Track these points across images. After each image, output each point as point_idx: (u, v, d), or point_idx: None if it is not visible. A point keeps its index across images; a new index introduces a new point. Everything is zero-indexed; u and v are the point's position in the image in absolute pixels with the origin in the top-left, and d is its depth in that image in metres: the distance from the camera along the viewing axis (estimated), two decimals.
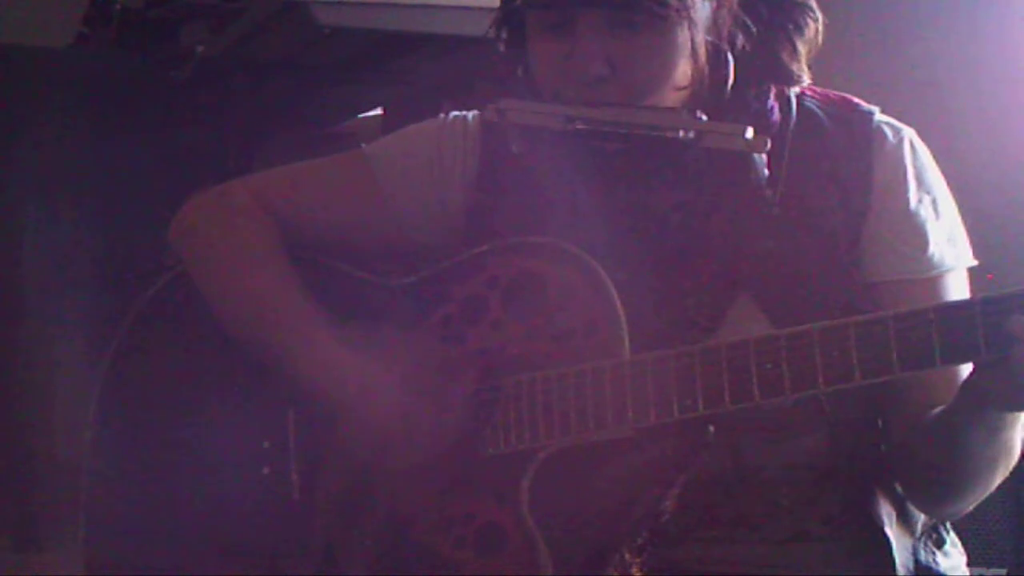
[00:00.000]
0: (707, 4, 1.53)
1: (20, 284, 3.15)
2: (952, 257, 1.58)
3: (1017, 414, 1.45)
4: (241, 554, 1.64)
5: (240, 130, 3.30)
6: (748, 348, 1.40)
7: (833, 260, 1.56)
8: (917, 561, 1.61)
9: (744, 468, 1.56)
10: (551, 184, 1.61)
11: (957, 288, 1.58)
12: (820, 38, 1.61)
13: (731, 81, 1.56)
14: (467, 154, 1.69)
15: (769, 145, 1.50)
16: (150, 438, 1.72)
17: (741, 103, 1.57)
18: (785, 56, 1.59)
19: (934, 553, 1.64)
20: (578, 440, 1.48)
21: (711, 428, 1.45)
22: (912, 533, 1.62)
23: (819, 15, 1.60)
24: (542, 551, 1.46)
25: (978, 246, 1.63)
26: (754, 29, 1.56)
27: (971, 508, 1.60)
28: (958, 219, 1.61)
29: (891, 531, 1.59)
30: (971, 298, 1.42)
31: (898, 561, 1.57)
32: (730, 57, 1.55)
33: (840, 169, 1.58)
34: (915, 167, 1.59)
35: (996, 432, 1.46)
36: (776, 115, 1.60)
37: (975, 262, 1.61)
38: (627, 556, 1.48)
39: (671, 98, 1.55)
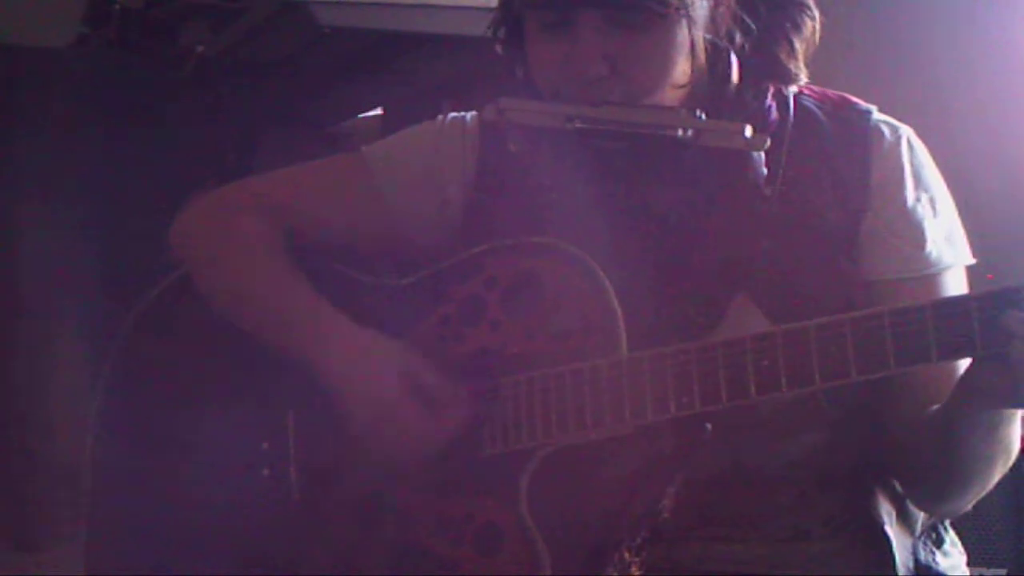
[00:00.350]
0: (706, 2, 1.53)
1: (20, 284, 3.15)
2: (950, 255, 1.58)
3: (1015, 410, 1.45)
4: (241, 554, 1.64)
5: (240, 130, 3.30)
6: (745, 345, 1.40)
7: (831, 259, 1.56)
8: (917, 560, 1.61)
9: (744, 467, 1.56)
10: (550, 183, 1.61)
11: (955, 286, 1.58)
12: (818, 37, 1.61)
13: (734, 80, 1.56)
14: (465, 155, 1.70)
15: (768, 143, 1.50)
16: (151, 439, 1.72)
17: (739, 102, 1.57)
18: (783, 55, 1.59)
19: (934, 552, 1.64)
20: (576, 439, 1.48)
21: (708, 426, 1.45)
22: (912, 532, 1.62)
23: (816, 14, 1.60)
24: (541, 550, 1.46)
25: (977, 245, 1.63)
26: (753, 27, 1.56)
27: (970, 505, 1.60)
28: (956, 217, 1.61)
29: (891, 530, 1.59)
30: (966, 294, 1.43)
31: (898, 560, 1.57)
32: (733, 56, 1.55)
33: (838, 168, 1.58)
34: (913, 165, 1.59)
35: (994, 429, 1.46)
36: (774, 114, 1.60)
37: (973, 260, 1.61)
38: (626, 555, 1.48)
39: (670, 97, 1.55)
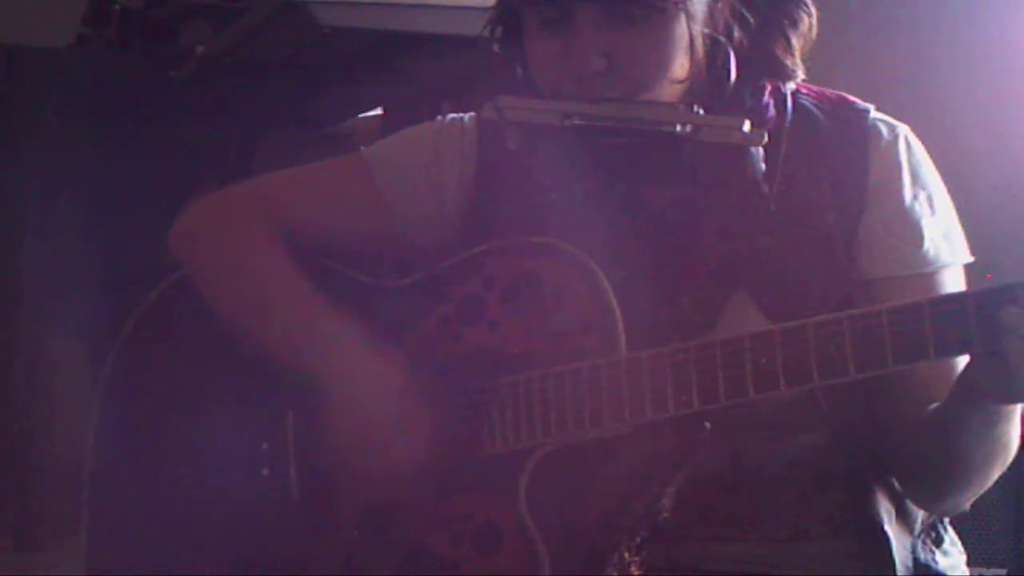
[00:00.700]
0: None
1: (20, 284, 3.15)
2: (948, 253, 1.58)
3: (1013, 408, 1.45)
4: (241, 554, 1.64)
5: (240, 130, 3.30)
6: (743, 343, 1.40)
7: (829, 257, 1.56)
8: (916, 560, 1.61)
9: (743, 467, 1.56)
10: (548, 181, 1.61)
11: (953, 284, 1.58)
12: (815, 33, 1.61)
13: (733, 75, 1.56)
14: (464, 155, 1.70)
15: (766, 139, 1.50)
16: (151, 439, 1.72)
17: (737, 99, 1.57)
18: (779, 51, 1.59)
19: (933, 552, 1.64)
20: (575, 438, 1.48)
21: (707, 425, 1.45)
22: (911, 531, 1.62)
23: (813, 10, 1.60)
24: (540, 550, 1.46)
25: (976, 244, 1.63)
26: (752, 21, 1.56)
27: (969, 504, 1.60)
28: (954, 216, 1.61)
29: (890, 529, 1.59)
30: (964, 291, 1.43)
31: (897, 560, 1.57)
32: (731, 52, 1.55)
33: (836, 166, 1.58)
34: (910, 164, 1.59)
35: (992, 426, 1.46)
36: (772, 112, 1.60)
37: (971, 258, 1.61)
38: (626, 555, 1.48)
39: (668, 92, 1.54)
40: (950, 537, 1.67)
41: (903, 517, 1.62)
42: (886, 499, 1.60)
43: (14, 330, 3.17)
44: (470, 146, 1.70)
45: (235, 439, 1.65)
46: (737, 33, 1.56)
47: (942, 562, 1.64)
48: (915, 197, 1.58)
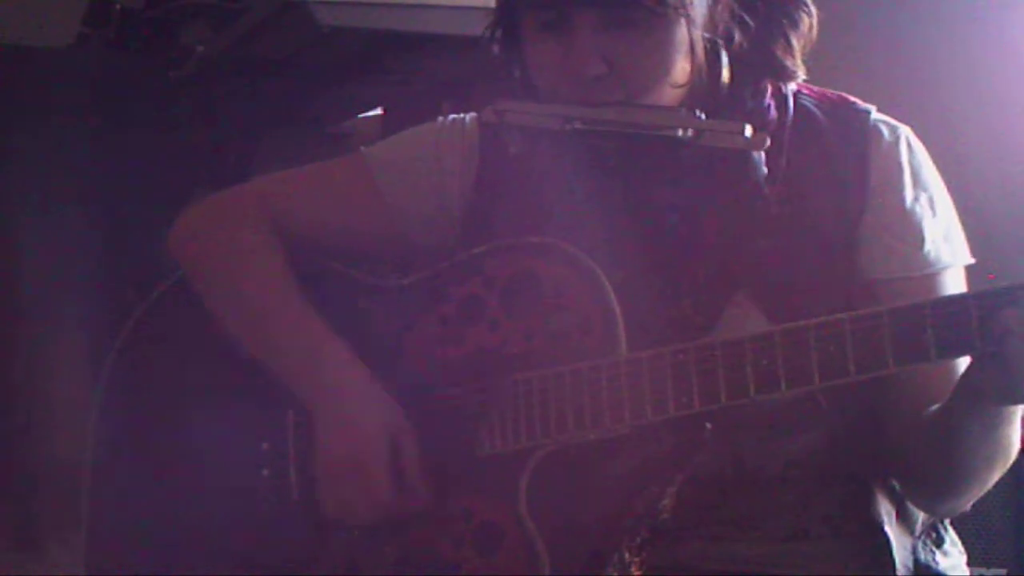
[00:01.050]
0: (704, 0, 1.53)
1: (20, 284, 3.15)
2: (948, 255, 1.58)
3: (1014, 410, 1.45)
4: (241, 555, 1.64)
5: (240, 130, 3.29)
6: (743, 345, 1.40)
7: (830, 258, 1.56)
8: (916, 560, 1.61)
9: (743, 467, 1.56)
10: (549, 185, 1.61)
11: (954, 286, 1.58)
12: (815, 34, 1.61)
13: (726, 77, 1.55)
14: (465, 156, 1.70)
15: (768, 143, 1.50)
16: (151, 439, 1.72)
17: (737, 100, 1.57)
18: (779, 51, 1.59)
19: (933, 552, 1.64)
20: (575, 439, 1.48)
21: (709, 426, 1.45)
22: (911, 532, 1.62)
23: (814, 11, 1.60)
24: (540, 550, 1.46)
25: (977, 245, 1.63)
26: (752, 24, 1.56)
27: (969, 505, 1.60)
28: (955, 217, 1.61)
29: (890, 530, 1.59)
30: (965, 293, 1.43)
31: (897, 560, 1.58)
32: (723, 53, 1.55)
33: (837, 167, 1.58)
34: (911, 165, 1.59)
35: (993, 428, 1.46)
36: (773, 113, 1.60)
37: (972, 260, 1.61)
38: (626, 555, 1.49)
39: (669, 96, 1.54)
40: (950, 537, 1.67)
41: (903, 517, 1.62)
42: (886, 499, 1.60)
43: (14, 330, 3.17)
44: (471, 147, 1.70)
45: (235, 439, 1.65)
46: (737, 36, 1.56)
47: (942, 562, 1.64)
48: (916, 198, 1.58)
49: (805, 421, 1.55)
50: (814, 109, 1.62)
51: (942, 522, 1.67)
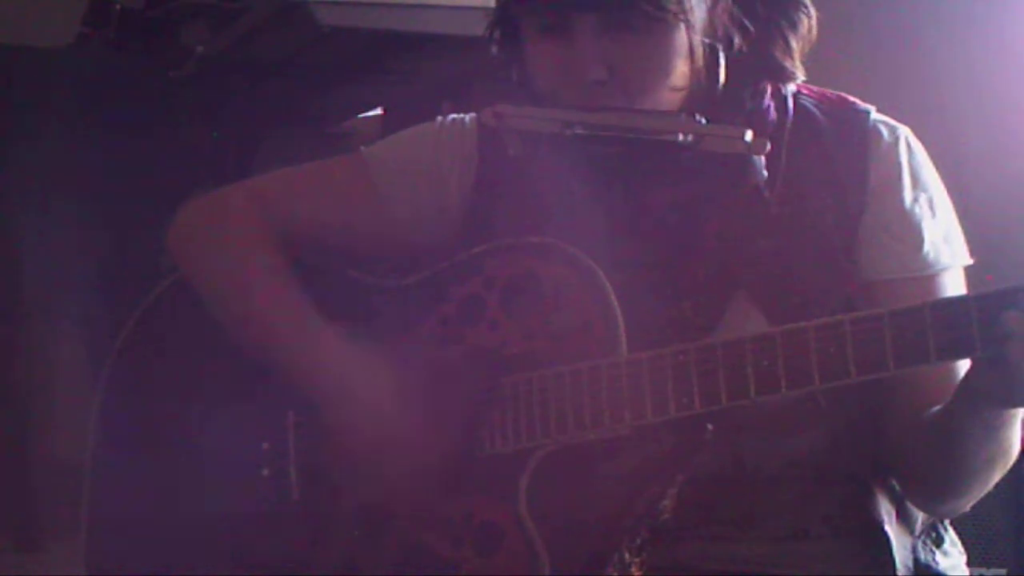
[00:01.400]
0: (703, 4, 1.53)
1: (20, 284, 3.15)
2: (948, 255, 1.58)
3: (1015, 413, 1.45)
4: (241, 555, 1.64)
5: (240, 130, 3.29)
6: (744, 346, 1.40)
7: (829, 259, 1.56)
8: (916, 560, 1.61)
9: (744, 466, 1.56)
10: (549, 187, 1.61)
11: (954, 287, 1.58)
12: (814, 35, 1.61)
13: (722, 80, 1.55)
14: (465, 156, 1.70)
15: (768, 147, 1.50)
16: (151, 439, 1.72)
17: (737, 102, 1.57)
18: (778, 52, 1.59)
19: (933, 552, 1.64)
20: (576, 439, 1.48)
21: (710, 427, 1.45)
22: (911, 532, 1.62)
23: (813, 11, 1.60)
24: (540, 551, 1.46)
25: (976, 246, 1.63)
26: (751, 28, 1.56)
27: (969, 506, 1.60)
28: (954, 218, 1.61)
29: (891, 529, 1.59)
30: (965, 295, 1.43)
31: (897, 560, 1.58)
32: (721, 56, 1.55)
33: (836, 168, 1.58)
34: (911, 166, 1.59)
35: (994, 430, 1.46)
36: (772, 114, 1.60)
37: (971, 261, 1.61)
38: (626, 555, 1.49)
39: (668, 100, 1.54)
40: (950, 537, 1.67)
41: (903, 517, 1.62)
42: (886, 499, 1.60)
43: (14, 330, 3.17)
44: (471, 147, 1.69)
45: (235, 439, 1.65)
46: (736, 39, 1.56)
47: (942, 562, 1.64)
48: (915, 199, 1.58)
49: (805, 421, 1.55)
50: (814, 109, 1.62)
51: (942, 522, 1.67)
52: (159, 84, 3.18)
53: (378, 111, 3.46)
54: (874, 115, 1.62)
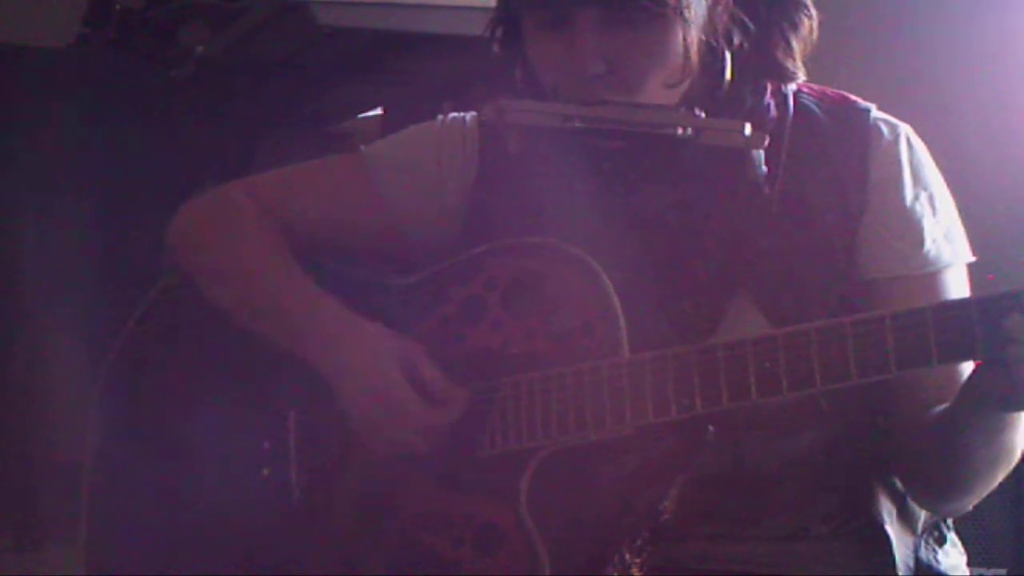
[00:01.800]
0: (704, 1, 1.53)
1: (20, 284, 3.15)
2: (949, 253, 1.58)
3: (1017, 415, 1.45)
4: (241, 555, 1.64)
5: (240, 130, 3.30)
6: (746, 348, 1.40)
7: (830, 258, 1.56)
8: (918, 559, 1.61)
9: (744, 466, 1.56)
10: (549, 184, 1.61)
11: (955, 284, 1.58)
12: (815, 36, 1.61)
13: (727, 78, 1.56)
14: (465, 156, 1.69)
15: (768, 141, 1.50)
16: (151, 439, 1.72)
17: (737, 100, 1.57)
18: (779, 53, 1.59)
19: (935, 551, 1.64)
20: (577, 440, 1.48)
21: (711, 428, 1.45)
22: (913, 531, 1.62)
23: (814, 13, 1.60)
24: (541, 551, 1.46)
25: (977, 245, 1.62)
26: (752, 26, 1.56)
27: (971, 506, 1.60)
28: (955, 215, 1.61)
29: (891, 529, 1.59)
30: (968, 298, 1.43)
31: (898, 559, 1.58)
32: (727, 54, 1.55)
33: (837, 166, 1.58)
34: (911, 163, 1.59)
35: (997, 432, 1.46)
36: (772, 112, 1.60)
37: (973, 258, 1.61)
38: (627, 556, 1.48)
39: (667, 95, 1.54)
40: (952, 537, 1.67)
41: (904, 516, 1.62)
42: (887, 499, 1.60)
43: (14, 330, 3.17)
44: (471, 146, 1.69)
45: (236, 439, 1.65)
46: (737, 37, 1.56)
47: (943, 562, 1.64)
48: (916, 197, 1.58)
49: (805, 421, 1.55)
50: (814, 108, 1.62)
51: (945, 521, 1.66)
52: (159, 84, 3.19)
53: (378, 111, 3.46)
54: (874, 113, 1.62)
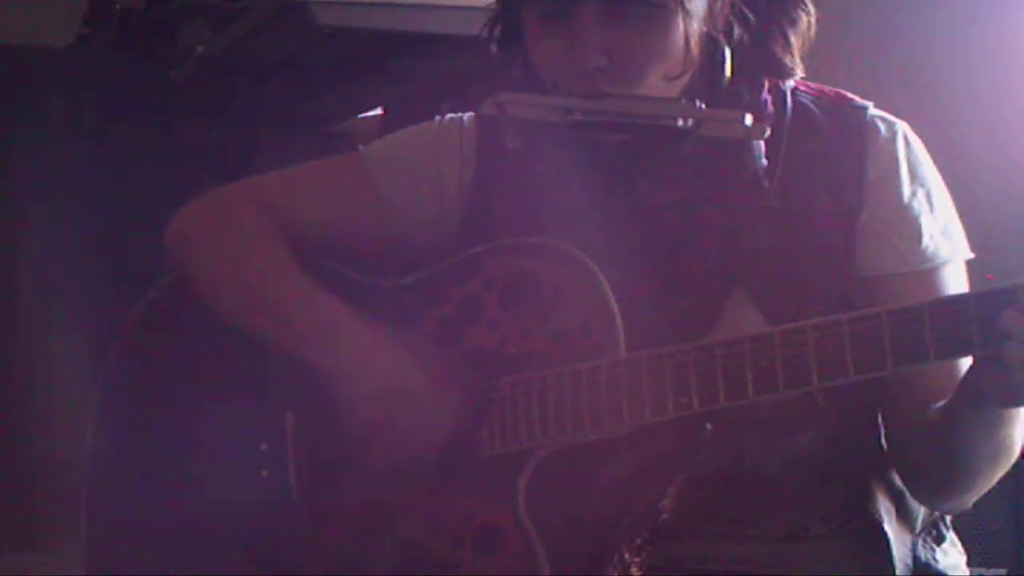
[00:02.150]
0: None
1: (20, 284, 3.16)
2: (947, 250, 1.58)
3: (1016, 412, 1.45)
4: (240, 555, 1.64)
5: (240, 130, 3.30)
6: (743, 345, 1.40)
7: (828, 254, 1.56)
8: (916, 558, 1.61)
9: (743, 465, 1.56)
10: (548, 182, 1.61)
11: (953, 281, 1.58)
12: (813, 32, 1.61)
13: (727, 72, 1.56)
14: (464, 156, 1.69)
15: (768, 132, 1.49)
16: (150, 439, 1.72)
17: (735, 95, 1.57)
18: (777, 49, 1.59)
19: (933, 550, 1.64)
20: (575, 440, 1.48)
21: (709, 426, 1.45)
22: (911, 530, 1.62)
23: (812, 9, 1.60)
24: (540, 551, 1.46)
25: (976, 243, 1.62)
26: (752, 20, 1.56)
27: (972, 503, 1.60)
28: (953, 212, 1.61)
29: (890, 528, 1.59)
30: (964, 294, 1.43)
31: (897, 558, 1.58)
32: (727, 49, 1.55)
33: (834, 163, 1.58)
34: (908, 160, 1.59)
35: (995, 429, 1.46)
36: (770, 108, 1.60)
37: (971, 255, 1.61)
38: (626, 555, 1.48)
39: (668, 88, 1.54)
40: (951, 536, 1.67)
41: (903, 515, 1.62)
42: (886, 498, 1.60)
43: (14, 330, 3.17)
44: (470, 146, 1.69)
45: (234, 440, 1.65)
46: (737, 31, 1.56)
47: (942, 561, 1.64)
48: (913, 194, 1.58)
49: (804, 420, 1.55)
50: (811, 106, 1.62)
51: (943, 520, 1.66)
52: (159, 84, 3.19)
53: (378, 111, 3.46)
54: (871, 110, 1.62)
